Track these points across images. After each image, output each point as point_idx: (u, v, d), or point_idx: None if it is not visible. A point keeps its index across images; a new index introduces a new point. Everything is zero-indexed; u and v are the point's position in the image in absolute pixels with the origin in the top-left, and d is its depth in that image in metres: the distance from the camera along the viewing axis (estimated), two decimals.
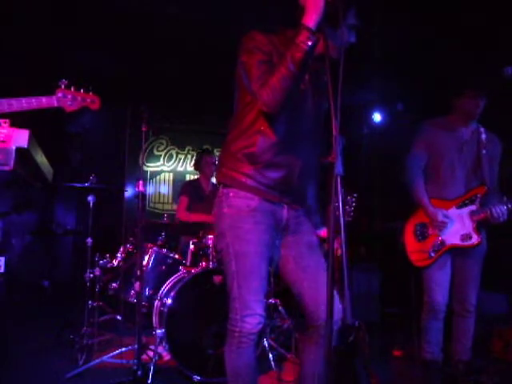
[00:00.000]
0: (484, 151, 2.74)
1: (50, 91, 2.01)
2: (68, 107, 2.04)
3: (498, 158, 2.83)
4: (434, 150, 2.78)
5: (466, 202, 2.69)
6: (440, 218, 2.66)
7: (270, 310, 3.55)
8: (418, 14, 4.18)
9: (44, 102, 1.96)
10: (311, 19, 1.61)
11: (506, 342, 3.40)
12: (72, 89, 2.05)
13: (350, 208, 2.14)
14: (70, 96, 2.03)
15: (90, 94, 2.10)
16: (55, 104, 2.00)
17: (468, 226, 2.66)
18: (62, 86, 2.03)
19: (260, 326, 1.73)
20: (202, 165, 4.31)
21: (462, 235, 2.66)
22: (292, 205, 1.87)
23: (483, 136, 2.76)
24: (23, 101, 1.91)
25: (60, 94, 2.02)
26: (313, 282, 1.81)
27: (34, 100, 1.93)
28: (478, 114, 2.73)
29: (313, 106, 1.85)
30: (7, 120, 1.72)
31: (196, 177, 4.98)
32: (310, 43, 1.60)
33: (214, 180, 4.20)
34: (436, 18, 4.19)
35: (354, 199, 2.15)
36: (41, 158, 2.00)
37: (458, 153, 2.75)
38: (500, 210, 2.58)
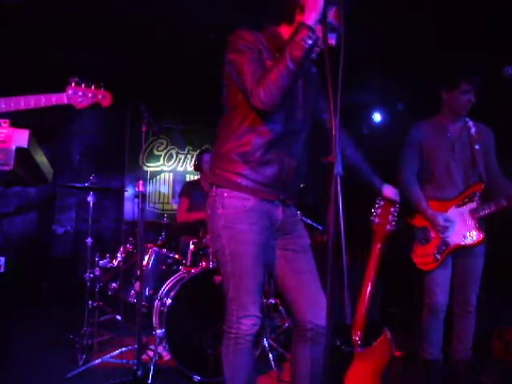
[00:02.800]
0: (477, 146, 2.71)
1: (50, 91, 2.00)
2: (78, 104, 2.01)
3: (492, 147, 2.79)
4: (425, 154, 2.76)
5: (465, 200, 2.69)
6: (440, 222, 2.64)
7: (270, 310, 3.55)
8: (418, 14, 4.18)
9: (53, 99, 1.93)
10: (310, 17, 1.61)
11: (506, 342, 3.40)
12: (83, 85, 2.02)
13: (392, 217, 2.13)
14: (80, 93, 2.00)
15: (101, 90, 2.07)
16: (65, 101, 1.97)
17: (470, 224, 2.65)
18: (73, 83, 2.00)
19: (256, 327, 1.73)
20: (202, 164, 4.30)
21: (465, 234, 2.65)
22: (287, 201, 1.87)
23: (473, 130, 2.74)
24: (31, 99, 1.89)
25: (70, 91, 1.98)
26: (304, 285, 1.82)
27: (42, 97, 1.90)
28: (467, 108, 2.70)
29: (303, 100, 1.85)
30: (7, 120, 1.72)
31: (196, 177, 4.98)
32: (310, 42, 1.60)
33: None
34: (436, 18, 4.19)
35: (396, 209, 2.13)
36: (41, 158, 1.99)
37: (451, 153, 2.73)
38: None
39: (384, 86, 5.62)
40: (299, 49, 1.60)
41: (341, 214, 1.40)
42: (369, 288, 2.14)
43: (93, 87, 2.04)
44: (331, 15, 1.69)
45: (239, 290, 1.73)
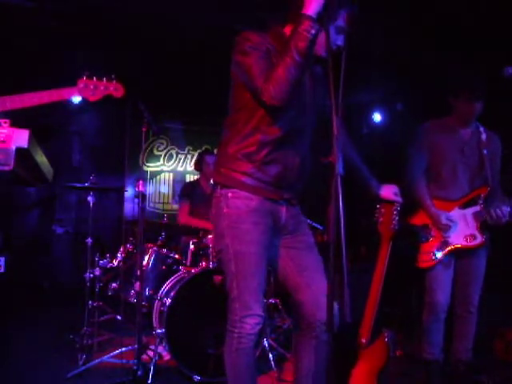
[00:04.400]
0: (485, 151, 2.72)
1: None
2: (91, 97, 2.03)
3: (498, 155, 2.81)
4: (434, 152, 2.76)
5: (470, 202, 2.69)
6: (443, 220, 2.64)
7: (270, 310, 3.55)
8: (418, 14, 4.18)
9: (65, 93, 1.96)
10: (311, 8, 1.61)
11: (507, 343, 3.40)
12: (94, 78, 2.05)
13: (395, 217, 2.12)
14: (91, 86, 2.02)
15: (114, 82, 2.09)
16: (77, 94, 2.00)
17: (472, 227, 2.65)
18: (84, 77, 2.02)
19: (259, 326, 1.74)
20: (203, 165, 4.29)
21: (466, 236, 2.65)
22: (291, 201, 1.87)
23: (483, 136, 2.75)
24: (44, 94, 1.91)
25: (82, 85, 2.01)
26: (310, 282, 1.82)
27: (54, 92, 1.93)
28: (475, 116, 2.71)
29: (310, 99, 1.85)
30: (7, 120, 1.72)
31: (196, 177, 4.98)
32: (313, 31, 1.60)
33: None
34: (436, 18, 4.19)
35: (397, 208, 2.12)
36: (41, 158, 2.00)
37: (459, 154, 2.74)
38: (500, 212, 2.57)
39: (384, 86, 5.62)
40: (303, 40, 1.60)
41: (341, 213, 1.40)
42: (378, 290, 2.13)
43: (104, 80, 2.06)
44: (341, 19, 1.71)
45: (243, 289, 1.73)
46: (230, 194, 1.78)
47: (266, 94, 1.63)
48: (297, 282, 1.84)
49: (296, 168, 1.83)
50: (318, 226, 3.97)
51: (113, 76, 2.08)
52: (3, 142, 1.68)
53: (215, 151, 5.25)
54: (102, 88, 2.05)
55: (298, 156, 1.83)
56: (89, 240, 3.41)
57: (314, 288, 1.80)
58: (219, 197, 1.81)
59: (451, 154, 2.74)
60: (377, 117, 6.50)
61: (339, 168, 1.43)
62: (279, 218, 1.84)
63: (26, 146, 1.71)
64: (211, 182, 4.52)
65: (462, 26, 4.14)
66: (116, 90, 2.08)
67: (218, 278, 2.96)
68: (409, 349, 3.36)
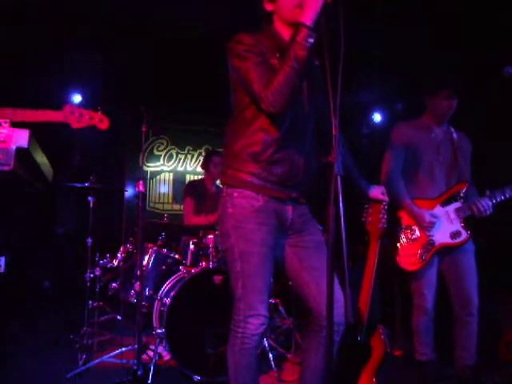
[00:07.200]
0: (458, 150, 2.75)
1: (51, 91, 2.01)
2: (75, 124, 2.07)
3: (469, 155, 2.84)
4: (411, 151, 2.75)
5: (450, 199, 2.68)
6: (427, 218, 2.62)
7: (270, 310, 3.55)
8: (417, 14, 4.19)
9: (50, 115, 2.00)
10: (309, 17, 1.62)
11: (508, 343, 3.39)
12: (80, 108, 2.09)
13: (383, 216, 2.12)
14: (77, 113, 2.06)
15: (99, 113, 2.13)
16: (61, 119, 2.03)
17: (456, 223, 2.64)
18: (69, 104, 2.08)
19: (263, 327, 1.73)
20: (210, 165, 4.28)
21: (451, 233, 2.63)
22: (299, 199, 1.87)
23: (454, 135, 2.78)
24: (28, 112, 1.93)
25: (67, 110, 2.04)
26: (317, 283, 1.81)
27: (40, 113, 1.96)
28: (450, 114, 2.73)
29: (308, 95, 1.85)
30: (7, 120, 1.72)
31: (199, 177, 4.98)
32: (311, 40, 1.61)
33: (218, 182, 4.16)
34: (436, 18, 4.20)
35: (385, 207, 2.12)
36: (41, 158, 1.99)
37: (435, 153, 2.74)
38: (486, 204, 2.58)
39: (384, 86, 5.63)
40: (302, 49, 1.61)
41: (341, 213, 1.40)
42: (369, 289, 2.14)
43: (90, 110, 2.11)
44: None
45: (247, 289, 1.73)
46: (235, 194, 1.78)
47: (265, 101, 1.64)
48: (304, 284, 1.83)
49: (301, 167, 1.82)
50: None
51: (98, 108, 2.13)
52: (3, 142, 1.68)
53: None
54: (87, 117, 2.09)
55: (302, 154, 1.83)
56: (89, 240, 3.41)
57: (321, 290, 1.77)
58: (225, 196, 1.82)
59: (428, 152, 2.74)
60: (377, 117, 6.50)
61: (339, 168, 1.43)
62: (285, 217, 1.83)
63: (26, 146, 1.71)
64: (217, 182, 4.52)
65: (462, 26, 4.15)
66: (101, 121, 2.12)
67: (218, 278, 2.97)
68: (408, 349, 3.36)
